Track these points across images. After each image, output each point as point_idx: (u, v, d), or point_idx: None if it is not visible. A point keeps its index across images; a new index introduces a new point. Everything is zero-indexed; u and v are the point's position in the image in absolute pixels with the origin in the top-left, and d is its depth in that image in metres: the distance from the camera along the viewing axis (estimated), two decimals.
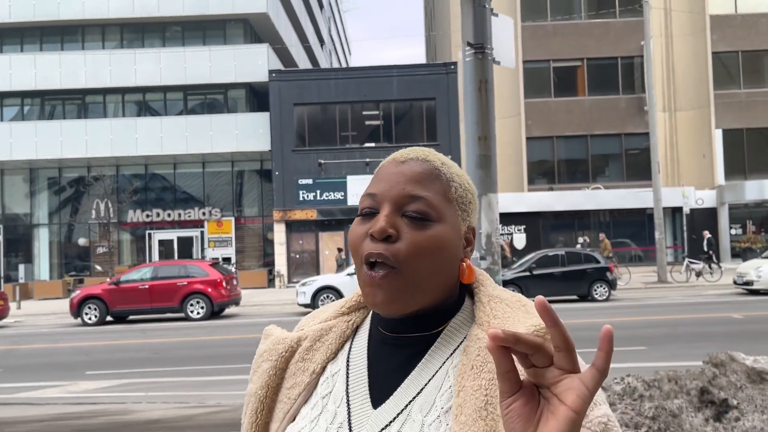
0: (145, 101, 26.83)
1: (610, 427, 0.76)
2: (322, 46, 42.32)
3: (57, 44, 26.74)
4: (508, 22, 5.07)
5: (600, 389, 0.77)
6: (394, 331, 0.86)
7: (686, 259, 20.96)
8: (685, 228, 25.15)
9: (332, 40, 50.47)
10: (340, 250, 23.37)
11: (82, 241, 26.84)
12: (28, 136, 25.11)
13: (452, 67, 25.06)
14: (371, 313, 0.93)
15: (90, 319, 16.02)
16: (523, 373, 0.65)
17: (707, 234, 21.50)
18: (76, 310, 16.07)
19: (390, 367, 0.85)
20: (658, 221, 19.82)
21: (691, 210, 25.29)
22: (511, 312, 0.83)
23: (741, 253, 24.62)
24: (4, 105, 26.57)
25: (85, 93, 26.38)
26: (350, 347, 0.91)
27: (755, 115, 26.37)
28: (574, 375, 0.61)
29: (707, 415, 4.41)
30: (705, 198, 26.01)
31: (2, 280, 25.83)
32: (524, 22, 26.32)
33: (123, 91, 26.35)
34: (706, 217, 26.07)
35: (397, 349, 0.86)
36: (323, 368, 0.90)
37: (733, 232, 26.09)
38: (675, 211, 25.51)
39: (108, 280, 18.85)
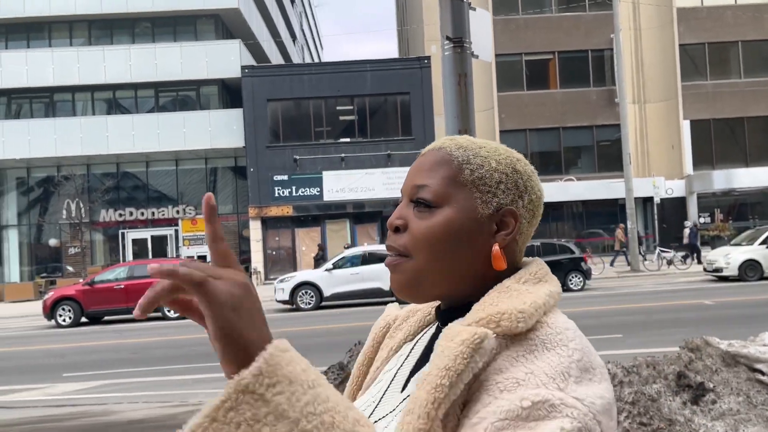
0: (115, 99, 26.39)
1: (531, 412, 0.67)
2: (294, 41, 42.06)
3: (23, 41, 26.14)
4: (486, 16, 5.12)
5: (549, 366, 0.71)
6: (440, 320, 0.88)
7: (657, 248, 21.37)
8: (656, 217, 25.64)
9: (304, 36, 50.18)
10: (320, 247, 22.71)
11: (53, 242, 26.35)
12: None
13: (426, 61, 25.12)
14: None
15: (64, 320, 15.77)
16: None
17: (622, 226, 21.85)
18: (50, 311, 15.80)
19: (430, 354, 0.87)
20: (630, 211, 20.16)
21: (661, 200, 25.80)
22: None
23: (710, 241, 25.19)
24: None
25: (53, 91, 25.85)
26: (426, 331, 0.93)
27: (722, 105, 26.96)
28: None
29: (685, 399, 4.54)
30: (674, 188, 26.54)
31: None
32: (496, 16, 26.48)
33: (92, 88, 25.88)
34: (675, 207, 26.62)
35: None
36: (400, 347, 0.94)
37: (702, 220, 26.68)
38: (646, 201, 25.99)
39: (81, 280, 18.55)
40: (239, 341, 0.59)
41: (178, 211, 26.15)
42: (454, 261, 0.82)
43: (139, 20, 26.52)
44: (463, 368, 0.69)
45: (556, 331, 0.75)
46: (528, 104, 26.99)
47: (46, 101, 26.19)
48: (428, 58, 25.21)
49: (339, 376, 4.93)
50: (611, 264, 21.19)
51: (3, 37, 26.15)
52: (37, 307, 20.16)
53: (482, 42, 4.97)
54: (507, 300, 0.77)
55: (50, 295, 16.23)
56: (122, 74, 25.27)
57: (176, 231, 26.17)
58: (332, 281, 15.63)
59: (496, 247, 0.82)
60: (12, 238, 26.49)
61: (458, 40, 4.74)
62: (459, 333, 0.72)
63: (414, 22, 31.87)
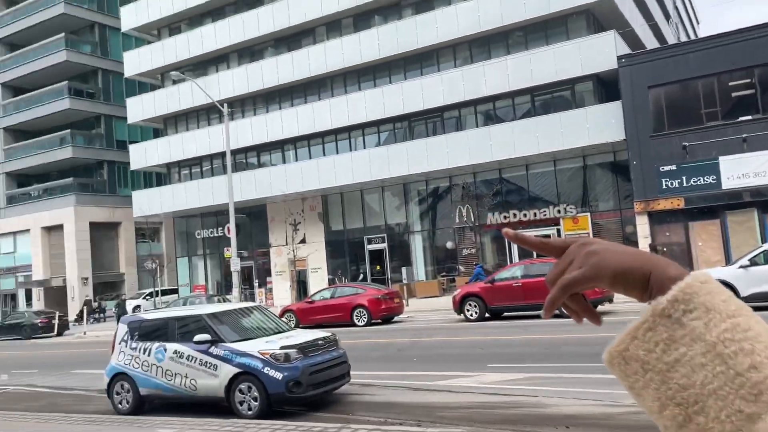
0: (494, 109, 28.17)
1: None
2: (667, 21, 38.81)
3: (417, 71, 29.87)
4: None
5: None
6: None
7: None
8: None
9: (678, 13, 45.89)
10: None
11: (449, 245, 29.41)
12: (400, 156, 28.62)
13: None
14: None
15: (471, 315, 17.35)
16: None
17: None
18: (459, 306, 17.57)
19: None
20: None
21: None
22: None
23: None
24: (380, 131, 30.79)
25: (443, 110, 28.89)
26: None
27: None
28: None
29: None
30: None
31: (390, 282, 29.83)
32: None
33: (474, 102, 28.10)
34: None
35: None
36: None
37: None
38: None
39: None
40: (631, 277, 0.66)
41: (559, 211, 26.55)
42: None
43: (512, 31, 27.77)
44: None
45: None
46: None
47: (437, 120, 29.41)
48: None
49: None
50: None
51: (401, 69, 30.31)
52: (441, 302, 22.74)
53: None
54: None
55: (458, 292, 18.04)
56: (500, 85, 26.81)
57: (558, 230, 26.51)
58: (749, 280, 13.74)
59: None
60: (417, 242, 30.49)
61: None
62: None
63: None
